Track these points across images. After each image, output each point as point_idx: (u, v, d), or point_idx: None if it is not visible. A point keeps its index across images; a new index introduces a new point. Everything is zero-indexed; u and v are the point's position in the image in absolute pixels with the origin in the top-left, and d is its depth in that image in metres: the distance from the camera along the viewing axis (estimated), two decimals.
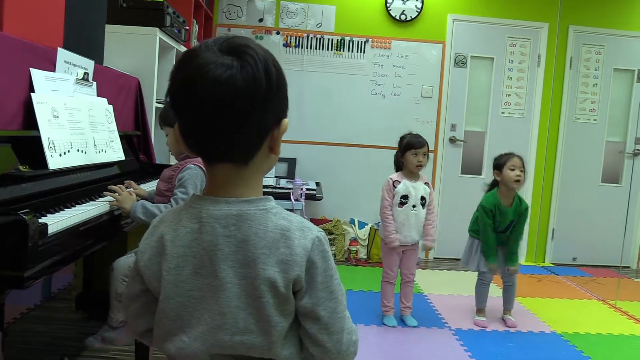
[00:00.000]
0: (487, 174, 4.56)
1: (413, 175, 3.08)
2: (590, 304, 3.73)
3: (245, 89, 0.79)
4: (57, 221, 1.47)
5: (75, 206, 1.70)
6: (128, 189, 1.98)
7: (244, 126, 0.81)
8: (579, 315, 3.46)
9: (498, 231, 3.13)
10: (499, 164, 3.12)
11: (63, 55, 1.94)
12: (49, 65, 1.88)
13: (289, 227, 0.85)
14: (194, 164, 1.92)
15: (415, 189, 3.05)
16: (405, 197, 3.04)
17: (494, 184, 3.17)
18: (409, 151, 3.02)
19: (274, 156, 0.89)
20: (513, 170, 3.04)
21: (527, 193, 4.75)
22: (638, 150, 4.83)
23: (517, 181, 3.04)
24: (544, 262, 4.86)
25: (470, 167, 4.75)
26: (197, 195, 0.89)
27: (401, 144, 3.08)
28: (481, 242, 3.13)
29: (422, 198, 3.06)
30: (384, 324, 3.08)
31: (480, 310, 3.26)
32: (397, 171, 3.13)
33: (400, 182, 3.05)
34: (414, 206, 3.04)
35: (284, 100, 0.87)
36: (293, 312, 0.87)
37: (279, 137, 0.87)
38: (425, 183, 3.11)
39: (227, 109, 0.80)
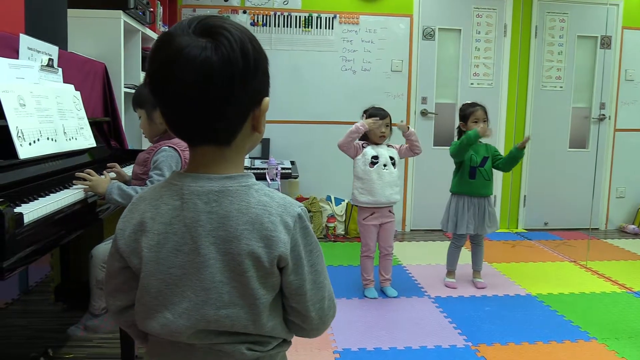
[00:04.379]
0: None
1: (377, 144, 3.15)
2: (563, 266, 3.86)
3: (222, 70, 0.79)
4: (32, 210, 1.45)
5: (49, 195, 1.68)
6: (102, 174, 1.96)
7: (224, 108, 0.81)
8: (552, 277, 3.58)
9: (477, 165, 3.21)
10: (464, 115, 3.26)
11: (26, 41, 1.89)
12: (12, 52, 1.83)
13: (270, 204, 0.86)
14: (169, 146, 1.90)
15: (383, 149, 3.12)
16: (375, 157, 3.09)
17: (460, 133, 3.28)
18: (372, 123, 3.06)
19: (257, 134, 0.89)
20: (476, 122, 3.18)
21: None
22: (603, 115, 4.96)
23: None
24: (517, 228, 4.99)
25: (443, 139, 4.80)
26: (177, 173, 0.88)
27: (364, 117, 3.13)
28: (461, 144, 3.15)
29: (391, 158, 3.12)
30: (365, 297, 3.14)
31: (450, 272, 3.38)
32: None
33: (368, 145, 3.13)
34: (384, 165, 3.10)
35: (264, 77, 0.86)
36: (277, 285, 0.88)
37: (261, 116, 0.87)
38: (389, 146, 3.17)
39: (205, 92, 0.79)
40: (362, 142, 3.14)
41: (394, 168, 3.13)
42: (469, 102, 3.33)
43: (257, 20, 4.46)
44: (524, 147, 3.18)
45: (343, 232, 4.53)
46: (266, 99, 0.87)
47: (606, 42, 4.89)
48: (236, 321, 0.85)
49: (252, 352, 0.87)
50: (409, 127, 3.14)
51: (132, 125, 3.16)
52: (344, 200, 4.56)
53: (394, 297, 3.14)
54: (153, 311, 0.86)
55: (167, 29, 4.11)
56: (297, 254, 0.86)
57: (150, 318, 0.87)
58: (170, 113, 0.85)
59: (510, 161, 3.23)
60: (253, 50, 0.82)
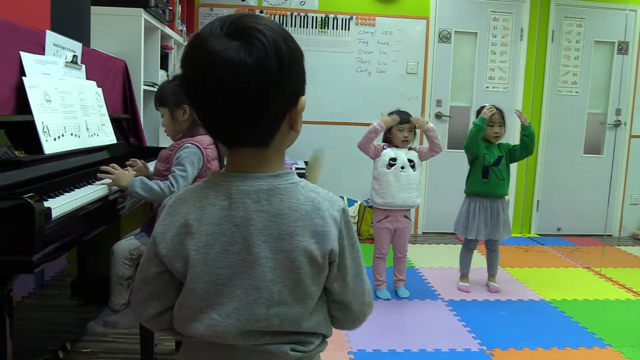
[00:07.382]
0: None
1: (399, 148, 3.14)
2: (576, 272, 3.83)
3: (256, 75, 0.78)
4: (59, 205, 1.46)
5: (74, 190, 1.69)
6: (126, 168, 1.98)
7: (260, 111, 0.80)
8: (566, 283, 3.56)
9: (490, 165, 3.21)
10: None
11: (52, 38, 1.91)
12: (38, 48, 1.85)
13: (318, 199, 0.86)
14: (192, 143, 1.92)
15: (403, 152, 3.11)
16: (393, 159, 3.08)
17: None
18: (395, 127, 3.06)
19: (294, 133, 0.88)
20: (492, 126, 3.19)
21: (512, 166, 4.81)
22: (619, 121, 4.92)
23: (496, 137, 3.22)
24: (529, 233, 4.96)
25: (457, 142, 4.78)
26: (221, 173, 0.88)
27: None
28: (470, 134, 3.21)
29: (410, 160, 3.10)
30: (378, 297, 3.13)
31: (463, 275, 3.38)
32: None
33: (388, 147, 3.12)
34: (402, 167, 3.07)
35: (300, 76, 0.85)
36: (325, 280, 0.88)
37: (297, 115, 0.86)
38: (409, 148, 3.14)
39: (240, 96, 0.78)
40: (384, 143, 3.13)
41: (413, 171, 3.10)
42: (487, 104, 3.30)
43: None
44: (525, 123, 3.20)
45: None
46: (302, 98, 0.86)
47: (623, 48, 4.85)
48: (285, 320, 0.85)
49: (295, 353, 0.87)
50: (428, 122, 3.12)
51: (151, 123, 3.18)
52: (356, 202, 4.56)
53: (406, 297, 3.14)
54: (198, 313, 0.85)
55: (185, 28, 4.12)
56: (342, 247, 0.88)
57: (194, 320, 0.85)
58: (207, 117, 0.84)
59: (526, 142, 3.22)
60: (287, 50, 0.81)
